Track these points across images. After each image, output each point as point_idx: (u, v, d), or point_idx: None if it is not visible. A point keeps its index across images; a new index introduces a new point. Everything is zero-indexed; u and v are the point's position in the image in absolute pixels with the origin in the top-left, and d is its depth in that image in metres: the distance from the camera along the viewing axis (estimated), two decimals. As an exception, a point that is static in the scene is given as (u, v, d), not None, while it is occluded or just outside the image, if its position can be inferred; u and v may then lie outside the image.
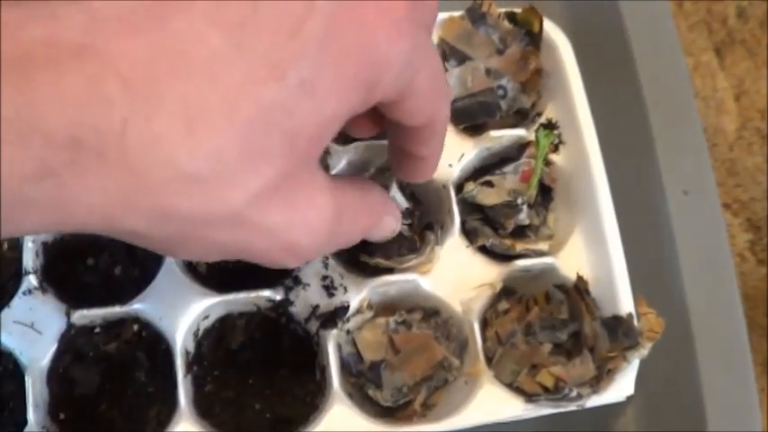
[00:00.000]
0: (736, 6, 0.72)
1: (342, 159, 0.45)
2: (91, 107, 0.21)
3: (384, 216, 0.35)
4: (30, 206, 0.22)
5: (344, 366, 0.43)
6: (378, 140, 0.45)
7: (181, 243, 0.26)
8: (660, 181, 0.48)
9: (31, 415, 0.40)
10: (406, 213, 0.45)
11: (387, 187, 0.43)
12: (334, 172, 0.45)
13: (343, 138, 0.47)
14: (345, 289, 0.43)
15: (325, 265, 0.43)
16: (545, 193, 0.46)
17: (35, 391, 0.40)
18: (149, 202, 0.23)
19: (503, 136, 0.46)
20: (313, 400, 0.42)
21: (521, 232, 0.45)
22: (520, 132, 0.46)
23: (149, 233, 0.24)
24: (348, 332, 0.43)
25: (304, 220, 0.27)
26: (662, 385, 0.46)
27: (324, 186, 0.28)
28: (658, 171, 0.48)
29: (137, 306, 0.42)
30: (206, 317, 0.42)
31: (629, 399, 0.43)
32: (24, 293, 0.41)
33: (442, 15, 0.47)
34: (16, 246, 0.43)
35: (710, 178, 0.49)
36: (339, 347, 0.43)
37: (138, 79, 0.22)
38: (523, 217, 0.45)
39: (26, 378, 0.40)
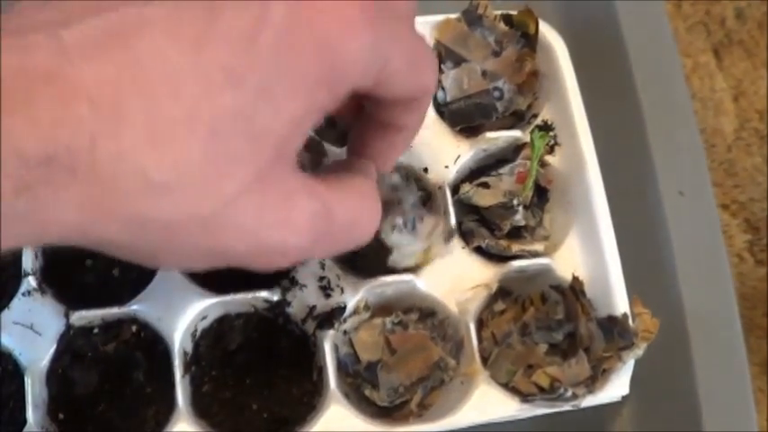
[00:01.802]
0: (734, 8, 0.73)
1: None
2: (62, 127, 0.23)
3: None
4: (8, 221, 0.24)
5: (341, 367, 0.43)
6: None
7: (162, 250, 0.27)
8: (656, 182, 0.48)
9: (30, 415, 0.40)
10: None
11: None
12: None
13: (341, 139, 0.47)
14: (342, 290, 0.43)
15: (322, 266, 0.43)
16: (541, 195, 0.47)
17: (34, 392, 0.40)
18: (123, 212, 0.25)
19: (499, 137, 0.46)
20: (310, 400, 0.42)
21: (517, 233, 0.46)
22: (516, 134, 0.46)
23: (128, 242, 0.26)
24: (345, 333, 0.43)
25: (284, 219, 0.28)
26: (658, 386, 0.46)
27: (303, 184, 0.29)
28: (654, 172, 0.48)
29: (135, 307, 0.42)
30: (204, 317, 0.43)
31: (626, 399, 0.43)
32: (24, 294, 0.42)
33: (438, 17, 0.47)
34: (16, 247, 0.43)
35: (706, 179, 0.49)
36: (336, 348, 0.43)
37: (104, 99, 0.23)
38: (519, 218, 0.45)
39: (25, 378, 0.40)
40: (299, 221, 0.28)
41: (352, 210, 0.31)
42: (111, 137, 0.23)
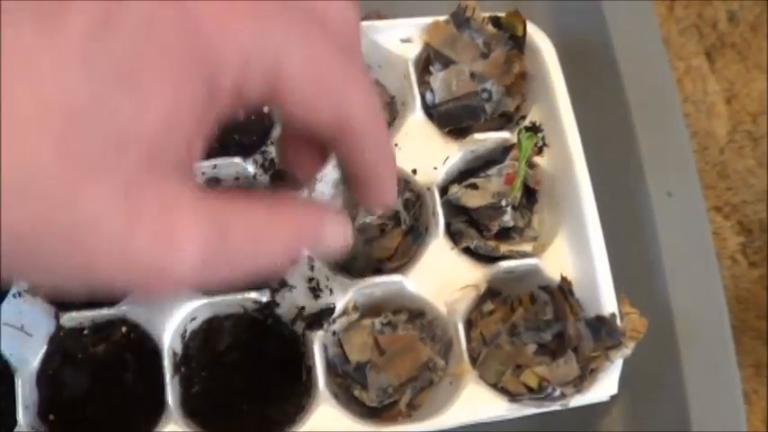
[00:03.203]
0: (726, 10, 0.73)
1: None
2: None
3: (319, 225, 0.29)
4: None
5: (330, 367, 0.43)
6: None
7: (20, 264, 0.23)
8: (644, 182, 0.48)
9: (20, 416, 0.40)
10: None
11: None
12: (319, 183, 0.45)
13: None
14: (331, 291, 0.43)
15: (311, 267, 0.43)
16: (529, 195, 0.47)
17: (25, 393, 0.41)
18: None
19: (487, 139, 0.46)
20: (299, 400, 0.43)
21: (505, 234, 0.46)
22: (504, 135, 0.47)
23: None
24: (334, 333, 0.43)
25: (159, 237, 0.23)
26: (647, 385, 0.46)
27: (191, 201, 0.24)
28: (642, 173, 0.48)
29: (125, 308, 0.42)
30: (193, 318, 0.43)
31: (615, 398, 0.43)
32: (14, 296, 0.42)
33: (427, 19, 0.48)
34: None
35: (695, 180, 0.49)
36: (325, 348, 0.43)
37: None
38: (508, 219, 0.45)
39: (16, 380, 0.41)
40: (178, 241, 0.24)
41: (254, 228, 0.26)
42: None
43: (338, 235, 0.30)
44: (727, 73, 0.70)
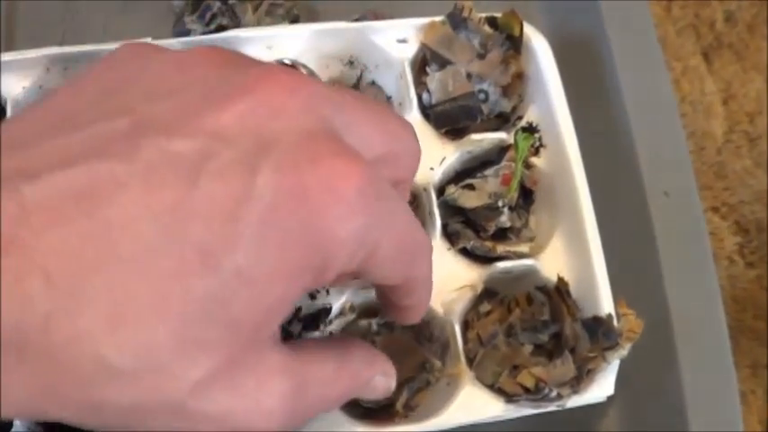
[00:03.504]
0: (723, 10, 0.73)
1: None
2: (10, 305, 0.21)
3: (371, 377, 0.33)
4: None
5: (327, 368, 0.43)
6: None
7: (115, 427, 0.24)
8: (641, 182, 0.48)
9: (15, 418, 0.40)
10: None
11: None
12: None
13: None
14: (327, 291, 0.43)
15: (308, 268, 0.43)
16: (526, 196, 0.47)
17: (20, 394, 0.40)
18: (78, 395, 0.23)
19: (484, 139, 0.46)
20: (296, 401, 0.42)
21: (502, 234, 0.46)
22: (501, 135, 0.47)
23: (84, 422, 0.24)
24: (330, 334, 0.43)
25: (253, 403, 0.26)
26: (644, 386, 0.46)
27: (278, 366, 0.27)
28: (639, 172, 0.48)
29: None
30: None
31: (612, 399, 0.43)
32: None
33: (423, 20, 0.48)
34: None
35: (692, 180, 0.49)
36: (321, 349, 0.43)
37: (62, 272, 0.21)
38: (505, 219, 0.45)
39: (11, 381, 0.40)
40: (269, 406, 0.26)
41: (324, 382, 0.29)
42: (68, 317, 0.21)
43: (385, 385, 0.34)
44: (725, 73, 0.70)
